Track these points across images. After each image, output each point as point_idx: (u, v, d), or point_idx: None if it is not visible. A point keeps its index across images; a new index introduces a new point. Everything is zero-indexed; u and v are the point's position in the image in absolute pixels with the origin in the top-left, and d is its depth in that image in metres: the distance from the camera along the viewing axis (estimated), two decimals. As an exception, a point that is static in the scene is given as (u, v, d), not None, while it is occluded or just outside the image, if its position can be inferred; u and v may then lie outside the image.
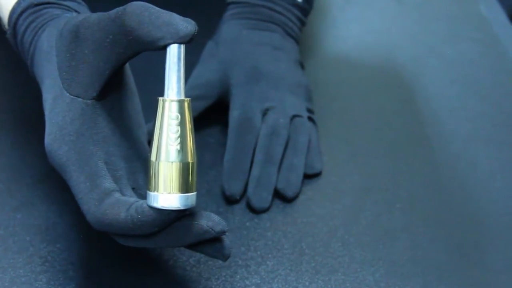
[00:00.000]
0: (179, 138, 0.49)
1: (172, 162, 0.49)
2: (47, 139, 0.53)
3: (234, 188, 0.63)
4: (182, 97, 0.49)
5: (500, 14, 0.85)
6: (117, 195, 0.51)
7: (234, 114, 0.67)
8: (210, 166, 0.66)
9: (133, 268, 0.57)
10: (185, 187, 0.49)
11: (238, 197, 0.63)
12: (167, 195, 0.49)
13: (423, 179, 0.67)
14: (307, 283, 0.58)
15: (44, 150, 0.53)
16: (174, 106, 0.49)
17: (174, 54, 0.49)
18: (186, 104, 0.49)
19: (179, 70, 0.49)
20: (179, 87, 0.49)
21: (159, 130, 0.49)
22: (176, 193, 0.49)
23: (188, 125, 0.49)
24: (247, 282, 0.57)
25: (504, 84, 0.77)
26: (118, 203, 0.50)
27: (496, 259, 0.61)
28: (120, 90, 0.54)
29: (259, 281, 0.58)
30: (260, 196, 0.63)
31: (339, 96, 0.73)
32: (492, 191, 0.66)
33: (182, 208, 0.49)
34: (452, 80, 0.76)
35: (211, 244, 0.52)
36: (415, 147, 0.70)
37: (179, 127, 0.49)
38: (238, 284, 0.57)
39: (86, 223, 0.58)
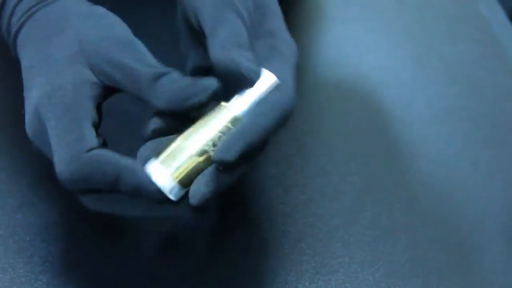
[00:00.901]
0: (214, 146, 0.50)
1: (197, 157, 0.49)
2: (43, 90, 0.51)
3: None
4: (240, 118, 0.50)
5: (500, 14, 0.85)
6: (106, 151, 0.50)
7: None
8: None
9: (133, 268, 0.57)
10: (186, 182, 0.50)
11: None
12: (168, 175, 0.49)
13: (423, 179, 0.67)
14: (307, 283, 0.58)
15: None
16: (231, 119, 0.50)
17: (267, 85, 0.50)
18: (236, 123, 0.50)
19: (259, 98, 0.50)
20: (246, 109, 0.50)
21: (209, 126, 0.50)
22: (176, 180, 0.49)
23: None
24: (247, 282, 0.57)
25: (504, 84, 0.76)
26: (108, 156, 0.49)
27: (496, 259, 0.61)
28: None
29: (259, 281, 0.57)
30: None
31: (339, 96, 0.73)
32: (492, 191, 0.66)
33: (169, 195, 0.49)
34: (452, 80, 0.76)
35: None
36: (415, 147, 0.70)
37: (222, 135, 0.50)
38: (238, 284, 0.57)
39: (86, 223, 0.58)
